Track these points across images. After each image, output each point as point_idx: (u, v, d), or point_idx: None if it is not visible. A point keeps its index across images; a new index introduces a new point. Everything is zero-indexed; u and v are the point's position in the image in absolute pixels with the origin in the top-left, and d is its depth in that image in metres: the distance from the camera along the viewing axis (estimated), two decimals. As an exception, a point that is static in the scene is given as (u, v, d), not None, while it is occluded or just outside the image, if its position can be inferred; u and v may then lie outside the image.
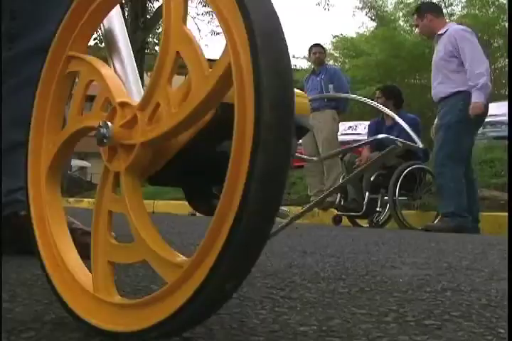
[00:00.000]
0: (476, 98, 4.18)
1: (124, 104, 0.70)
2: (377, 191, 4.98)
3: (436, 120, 4.76)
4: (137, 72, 0.84)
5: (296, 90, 0.74)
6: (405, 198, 5.03)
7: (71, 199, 9.12)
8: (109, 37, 0.86)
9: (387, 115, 5.34)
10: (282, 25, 0.56)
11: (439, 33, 4.51)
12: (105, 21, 0.86)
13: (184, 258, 0.62)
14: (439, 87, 4.41)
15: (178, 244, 2.08)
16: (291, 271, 1.41)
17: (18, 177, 1.52)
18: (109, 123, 0.69)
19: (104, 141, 0.69)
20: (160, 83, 0.64)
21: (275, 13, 0.57)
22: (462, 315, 0.90)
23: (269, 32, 0.54)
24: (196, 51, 0.60)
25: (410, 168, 4.89)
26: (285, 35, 0.56)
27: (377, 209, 5.04)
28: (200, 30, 18.69)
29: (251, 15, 0.54)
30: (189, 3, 0.64)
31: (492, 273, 1.48)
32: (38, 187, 0.84)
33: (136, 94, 0.78)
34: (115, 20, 0.87)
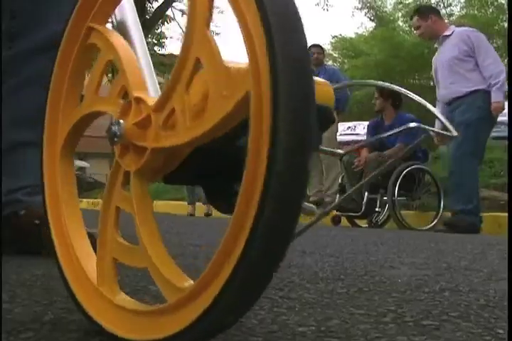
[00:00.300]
0: (497, 97, 4.20)
1: (139, 100, 0.67)
2: (376, 191, 4.99)
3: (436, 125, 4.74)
4: (152, 65, 0.79)
5: (318, 79, 0.71)
6: (404, 198, 5.03)
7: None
8: (121, 29, 0.82)
9: (387, 115, 5.38)
10: (307, 45, 0.53)
11: (444, 34, 4.52)
12: (117, 12, 0.82)
13: (190, 281, 0.59)
14: (454, 87, 4.36)
15: (177, 244, 2.09)
16: (290, 271, 1.41)
17: (18, 177, 1.52)
18: (122, 121, 0.66)
19: (115, 139, 0.66)
20: (177, 88, 0.61)
21: (302, 31, 0.53)
22: (460, 316, 0.90)
23: (293, 55, 0.51)
24: (217, 61, 0.56)
25: (409, 169, 4.90)
26: (310, 58, 0.53)
27: (377, 209, 5.05)
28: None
29: (274, 39, 0.50)
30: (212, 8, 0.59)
31: (491, 273, 1.48)
32: (54, 183, 0.81)
33: (151, 89, 0.74)
34: (128, 11, 0.83)
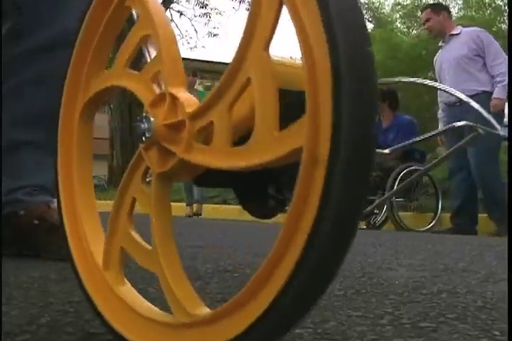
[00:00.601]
0: (499, 94, 4.18)
1: (175, 99, 0.60)
2: (374, 192, 4.99)
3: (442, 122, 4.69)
4: None
5: None
6: (402, 200, 5.04)
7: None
8: None
9: (385, 117, 5.38)
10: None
11: (452, 32, 4.54)
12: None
13: (205, 308, 0.55)
14: (464, 86, 4.30)
15: (177, 245, 2.08)
16: (288, 273, 1.40)
17: (17, 176, 1.52)
18: (152, 119, 0.60)
19: (144, 139, 0.61)
20: (220, 103, 0.54)
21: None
22: (457, 317, 0.90)
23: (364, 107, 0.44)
24: (271, 94, 0.49)
25: (407, 170, 4.90)
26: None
27: (374, 210, 5.05)
28: (197, 32, 18.71)
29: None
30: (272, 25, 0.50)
31: (488, 275, 1.48)
32: (70, 173, 0.77)
33: None
34: None
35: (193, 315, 0.54)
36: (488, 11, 17.09)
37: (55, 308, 0.86)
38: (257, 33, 0.51)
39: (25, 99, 1.51)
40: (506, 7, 14.29)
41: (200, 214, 6.66)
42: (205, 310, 0.55)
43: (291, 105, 0.50)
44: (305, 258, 0.44)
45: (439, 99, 4.71)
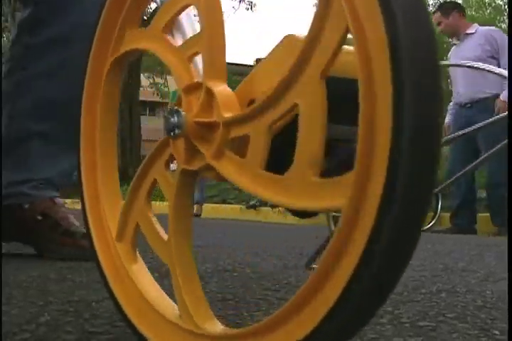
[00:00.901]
0: (506, 97, 4.13)
1: (212, 95, 0.54)
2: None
3: (447, 120, 4.67)
4: None
5: None
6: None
7: (68, 200, 9.07)
8: None
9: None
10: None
11: (467, 32, 4.46)
12: None
13: (219, 325, 0.53)
14: (477, 87, 4.23)
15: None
16: (287, 272, 1.41)
17: (24, 169, 1.52)
18: (183, 113, 0.55)
19: (172, 134, 0.56)
20: (260, 119, 0.49)
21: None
22: (457, 317, 0.90)
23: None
24: (320, 127, 0.43)
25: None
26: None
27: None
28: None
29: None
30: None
31: (488, 274, 1.48)
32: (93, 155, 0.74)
33: None
34: None
35: (202, 328, 0.52)
36: (488, 11, 17.12)
37: (54, 307, 0.86)
38: (314, 60, 0.43)
39: (37, 91, 1.51)
40: (506, 6, 14.30)
41: (200, 216, 6.66)
42: (216, 326, 0.53)
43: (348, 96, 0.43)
44: (364, 266, 0.39)
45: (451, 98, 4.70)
